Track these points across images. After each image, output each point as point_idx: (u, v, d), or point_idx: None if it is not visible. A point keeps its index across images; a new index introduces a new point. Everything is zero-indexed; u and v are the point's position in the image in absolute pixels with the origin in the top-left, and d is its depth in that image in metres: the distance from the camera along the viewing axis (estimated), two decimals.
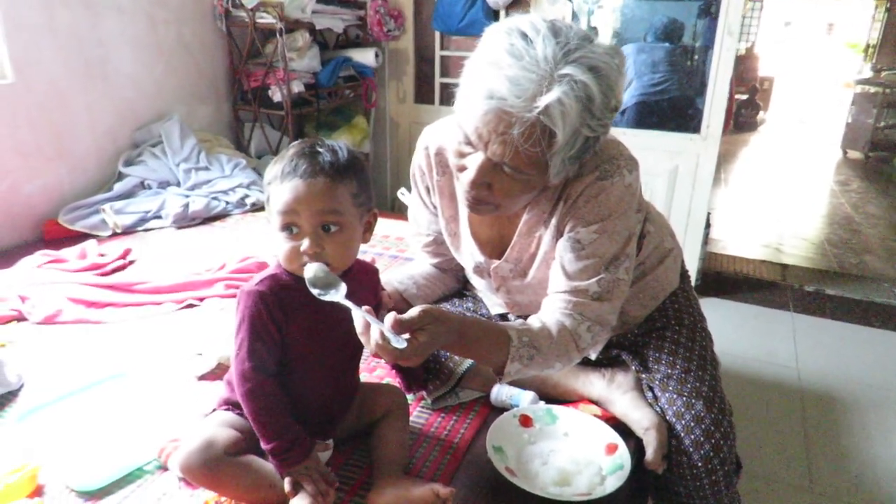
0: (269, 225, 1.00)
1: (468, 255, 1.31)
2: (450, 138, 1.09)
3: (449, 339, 0.98)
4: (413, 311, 0.94)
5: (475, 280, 1.39)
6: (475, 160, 1.01)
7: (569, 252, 1.11)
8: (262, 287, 0.97)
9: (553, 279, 1.15)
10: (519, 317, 1.34)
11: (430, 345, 0.94)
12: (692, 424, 1.16)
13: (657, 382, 1.22)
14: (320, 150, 0.97)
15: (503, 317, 1.39)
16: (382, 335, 0.91)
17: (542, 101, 0.90)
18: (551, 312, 1.12)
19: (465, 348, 1.05)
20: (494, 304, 1.41)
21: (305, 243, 0.95)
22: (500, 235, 1.25)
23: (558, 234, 1.15)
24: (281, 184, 0.95)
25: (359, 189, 1.00)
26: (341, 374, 1.09)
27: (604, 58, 0.94)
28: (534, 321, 1.11)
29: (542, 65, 0.91)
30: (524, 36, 0.94)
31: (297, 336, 1.00)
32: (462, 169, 1.05)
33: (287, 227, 0.96)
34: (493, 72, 0.93)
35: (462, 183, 1.07)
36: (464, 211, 1.27)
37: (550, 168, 0.99)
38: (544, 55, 0.92)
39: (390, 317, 0.91)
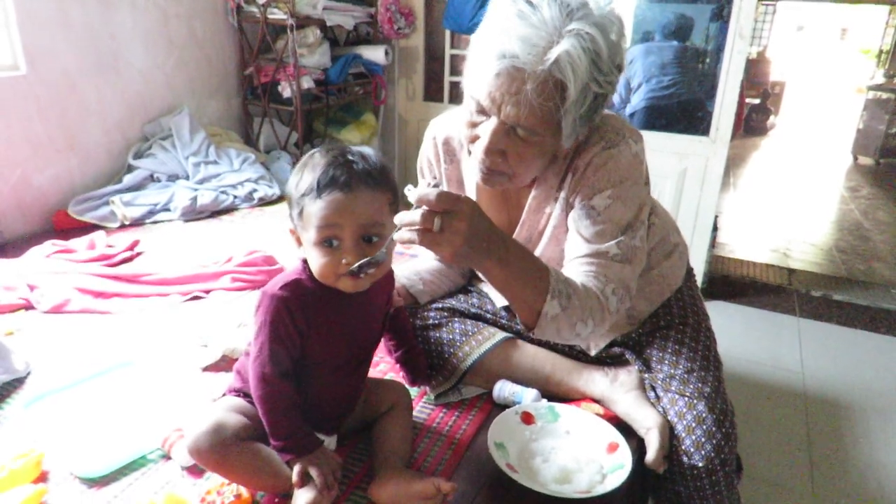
0: (303, 237, 0.97)
1: None
2: (459, 117, 1.13)
3: (492, 241, 0.94)
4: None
5: None
6: (488, 126, 1.03)
7: (584, 219, 1.11)
8: (285, 292, 0.97)
9: (571, 247, 1.14)
10: None
11: (471, 234, 0.89)
12: (693, 425, 1.16)
13: (660, 382, 1.22)
14: (353, 158, 0.95)
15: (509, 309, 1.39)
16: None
17: (553, 54, 0.95)
18: (575, 276, 1.09)
19: (506, 263, 0.97)
20: None
21: (347, 258, 0.93)
22: (509, 219, 1.27)
23: (568, 207, 1.16)
24: (318, 197, 0.92)
25: (394, 197, 0.99)
26: (352, 373, 1.10)
27: (607, 16, 1.00)
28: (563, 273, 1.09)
29: (549, 23, 0.96)
30: (529, 2, 0.99)
31: (316, 340, 1.01)
32: (475, 139, 1.07)
33: (326, 241, 0.94)
34: (503, 35, 0.97)
35: (475, 153, 1.08)
36: (470, 195, 1.28)
37: (563, 128, 1.02)
38: (550, 15, 0.96)
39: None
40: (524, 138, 1.03)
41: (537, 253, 1.23)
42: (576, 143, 1.11)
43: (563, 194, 1.16)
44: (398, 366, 1.29)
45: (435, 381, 1.29)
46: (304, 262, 1.00)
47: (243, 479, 0.98)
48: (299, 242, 1.01)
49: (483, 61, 1.00)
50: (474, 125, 1.07)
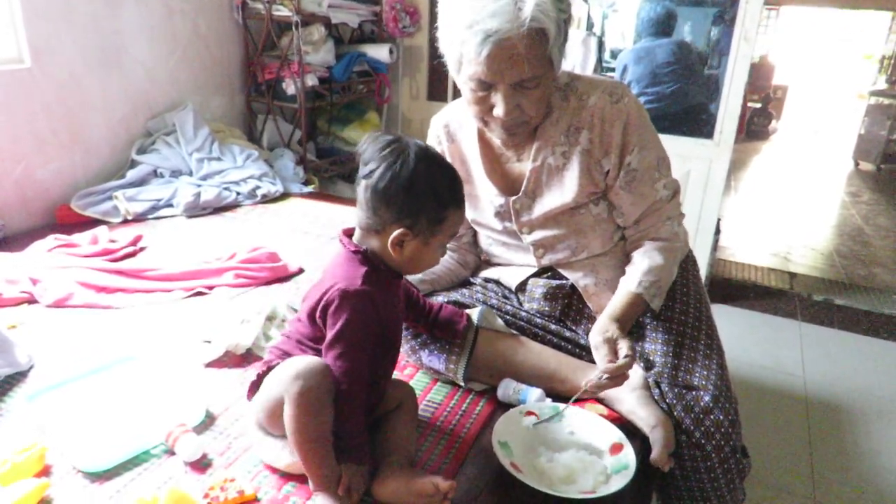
0: (430, 240, 1.03)
1: (487, 203, 1.39)
2: (457, 105, 1.38)
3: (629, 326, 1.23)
4: (623, 359, 1.12)
5: (499, 239, 1.44)
6: (499, 94, 1.16)
7: (632, 182, 1.29)
8: (367, 286, 0.99)
9: (632, 207, 1.32)
10: (546, 269, 1.41)
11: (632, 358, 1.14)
12: (702, 416, 1.17)
13: (665, 376, 1.22)
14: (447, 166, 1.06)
15: (522, 285, 1.41)
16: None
17: (527, 11, 1.08)
18: (650, 229, 1.32)
19: (633, 319, 1.28)
20: (522, 260, 1.43)
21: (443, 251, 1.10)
22: (517, 174, 1.36)
23: (594, 162, 1.29)
24: (459, 207, 1.05)
25: None
26: (395, 355, 1.13)
27: None
28: (642, 261, 1.29)
29: None
30: None
31: (388, 325, 1.05)
32: (490, 109, 1.20)
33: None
34: (475, 17, 1.09)
35: (496, 118, 1.20)
36: (476, 168, 1.38)
37: (553, 61, 1.16)
38: None
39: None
40: (531, 87, 1.16)
41: (545, 200, 1.34)
42: (567, 91, 1.28)
43: (579, 148, 1.28)
44: (436, 330, 1.28)
45: (452, 364, 1.29)
46: (363, 254, 1.03)
47: (311, 445, 0.95)
48: (403, 247, 1.02)
49: (469, 48, 1.11)
50: (482, 100, 1.19)
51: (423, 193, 0.99)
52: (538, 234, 1.37)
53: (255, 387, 1.06)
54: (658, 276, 1.28)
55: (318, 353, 1.02)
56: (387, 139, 1.00)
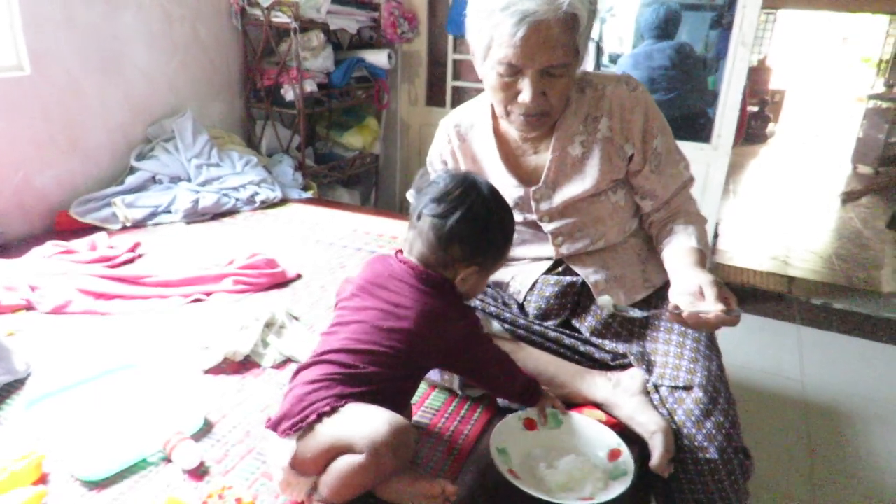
0: (481, 273, 1.07)
1: (506, 197, 1.37)
2: (470, 107, 1.42)
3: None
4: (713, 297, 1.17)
5: (518, 231, 1.43)
6: (526, 79, 1.17)
7: (660, 165, 1.34)
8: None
9: (663, 191, 1.37)
10: (562, 258, 1.41)
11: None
12: (702, 419, 1.16)
13: (667, 378, 1.22)
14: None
15: (532, 286, 1.41)
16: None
17: None
18: (680, 214, 1.38)
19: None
20: (535, 253, 1.43)
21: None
22: (534, 166, 1.38)
23: (618, 148, 1.32)
24: (511, 245, 1.13)
25: None
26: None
27: None
28: (687, 227, 1.34)
29: None
30: None
31: None
32: (515, 96, 1.21)
33: None
34: (513, 6, 1.10)
35: (521, 104, 1.21)
36: (490, 164, 1.39)
37: (580, 52, 1.18)
38: None
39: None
40: (559, 74, 1.18)
41: (565, 189, 1.36)
42: (582, 84, 1.31)
43: (599, 135, 1.31)
44: None
45: (447, 374, 1.30)
46: (451, 283, 1.06)
47: (359, 492, 0.95)
48: (466, 280, 1.06)
49: (503, 30, 1.12)
50: (508, 86, 1.20)
51: (496, 234, 1.06)
52: (558, 223, 1.38)
53: (302, 425, 0.94)
54: (704, 241, 1.32)
55: (398, 379, 1.01)
56: (453, 177, 1.05)
